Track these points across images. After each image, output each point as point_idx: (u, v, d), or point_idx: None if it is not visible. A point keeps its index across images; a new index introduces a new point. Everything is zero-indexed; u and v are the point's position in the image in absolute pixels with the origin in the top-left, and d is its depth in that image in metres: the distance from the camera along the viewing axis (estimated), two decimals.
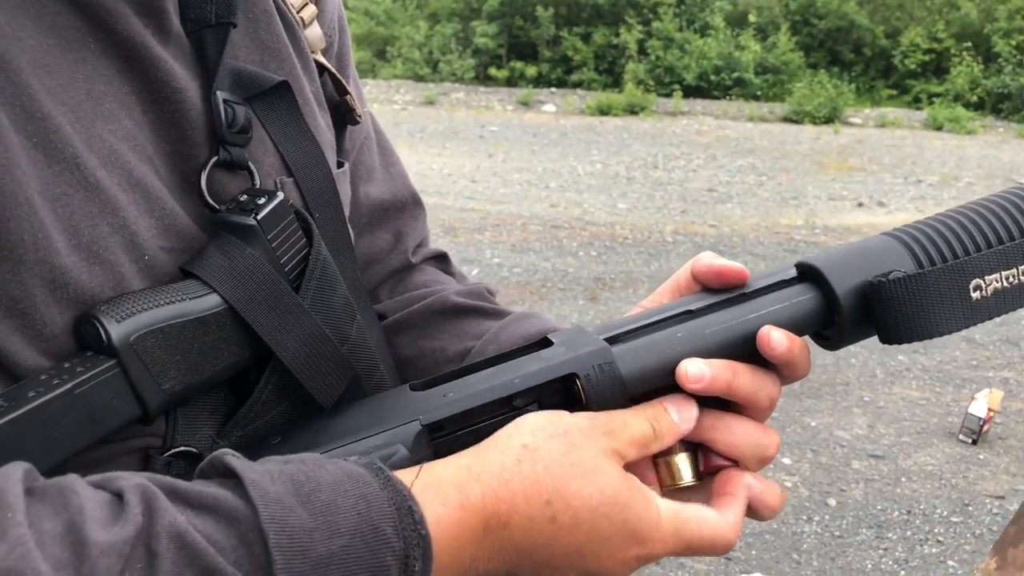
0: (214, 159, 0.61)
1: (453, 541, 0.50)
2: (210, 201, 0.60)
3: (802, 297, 0.61)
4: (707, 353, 0.59)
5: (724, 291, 0.62)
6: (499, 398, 0.58)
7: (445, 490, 0.51)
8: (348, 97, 0.77)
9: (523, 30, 19.30)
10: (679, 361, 0.59)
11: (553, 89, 17.59)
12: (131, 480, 0.44)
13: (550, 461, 0.53)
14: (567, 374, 0.58)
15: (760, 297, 0.61)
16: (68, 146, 0.52)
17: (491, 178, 9.31)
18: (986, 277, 0.59)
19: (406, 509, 0.47)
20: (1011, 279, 0.59)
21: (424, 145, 11.11)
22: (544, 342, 0.62)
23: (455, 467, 0.53)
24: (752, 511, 0.61)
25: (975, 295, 0.59)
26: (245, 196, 0.61)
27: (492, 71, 18.89)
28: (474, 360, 0.71)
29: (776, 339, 0.59)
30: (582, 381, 0.58)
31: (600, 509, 0.54)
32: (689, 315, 0.61)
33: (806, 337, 0.62)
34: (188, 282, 0.57)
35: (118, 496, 0.43)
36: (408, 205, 0.88)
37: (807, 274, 0.61)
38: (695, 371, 0.58)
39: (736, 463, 0.61)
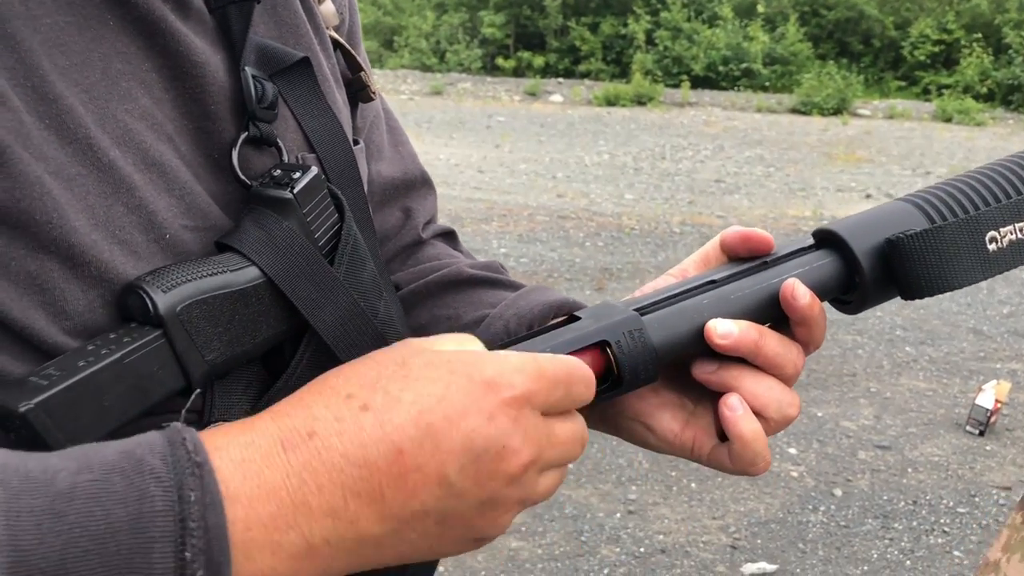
0: (244, 135, 0.60)
1: (243, 465, 0.43)
2: (242, 177, 0.60)
3: (822, 261, 0.62)
4: (733, 317, 0.60)
5: (747, 261, 0.64)
6: None
7: (230, 427, 0.46)
8: (362, 74, 0.77)
9: (530, 20, 19.25)
10: (701, 328, 0.59)
11: (560, 79, 17.55)
12: None
13: (347, 370, 0.49)
14: (599, 341, 0.58)
15: (781, 264, 0.62)
16: (80, 127, 0.52)
17: (498, 168, 9.30)
18: (1001, 229, 0.60)
19: (178, 441, 0.41)
20: None
21: (431, 135, 11.10)
22: (572, 318, 0.62)
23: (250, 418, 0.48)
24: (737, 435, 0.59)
25: (991, 247, 0.60)
26: (279, 170, 0.61)
27: (499, 61, 18.85)
28: (491, 326, 0.71)
29: (800, 291, 0.59)
30: (613, 348, 0.58)
31: (417, 372, 0.47)
32: (713, 284, 0.61)
33: (826, 305, 0.63)
34: (227, 255, 0.58)
35: None
36: (418, 184, 0.88)
37: (825, 240, 0.63)
38: (723, 329, 0.59)
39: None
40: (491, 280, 0.79)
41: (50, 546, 0.37)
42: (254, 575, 0.42)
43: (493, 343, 0.71)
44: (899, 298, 0.63)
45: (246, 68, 0.61)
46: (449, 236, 0.90)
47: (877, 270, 0.61)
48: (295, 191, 0.60)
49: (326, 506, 0.43)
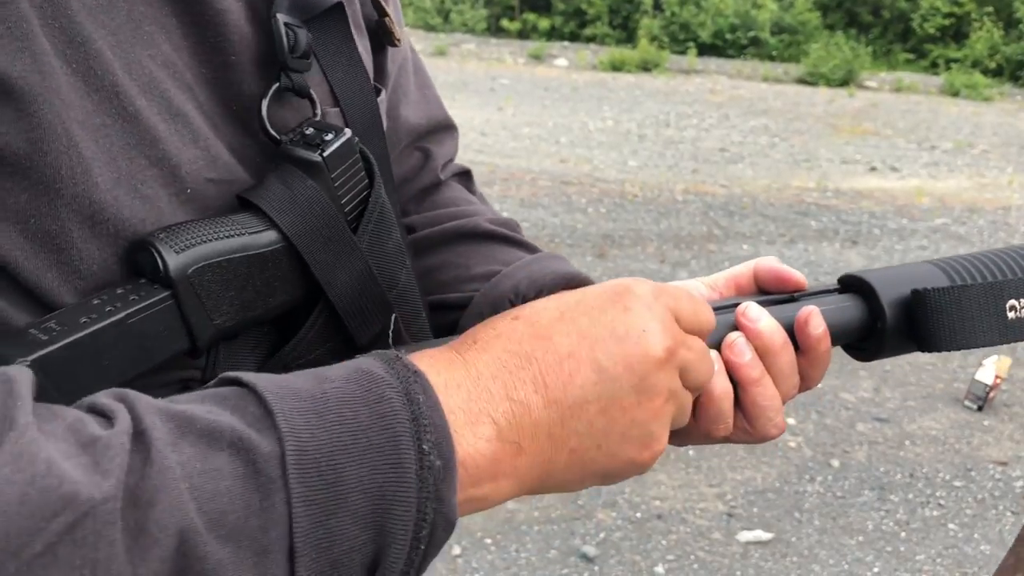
0: (276, 85, 0.57)
1: (432, 367, 0.49)
2: (271, 131, 0.57)
3: (846, 304, 0.65)
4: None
5: (776, 294, 0.66)
6: None
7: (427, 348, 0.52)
8: (387, 19, 0.73)
9: None
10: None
11: (566, 43, 17.38)
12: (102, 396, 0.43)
13: (526, 312, 0.55)
14: None
15: (807, 300, 0.65)
16: (108, 73, 0.49)
17: (501, 132, 9.23)
18: (1021, 299, 0.64)
19: (394, 356, 0.46)
20: None
21: None
22: None
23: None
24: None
25: (1011, 314, 0.64)
26: (312, 129, 0.58)
27: (504, 23, 18.64)
28: (500, 283, 0.71)
29: (815, 321, 0.62)
30: None
31: (573, 296, 0.54)
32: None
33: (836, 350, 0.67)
34: (246, 215, 0.55)
35: (98, 410, 0.42)
36: (440, 127, 0.86)
37: (851, 286, 0.66)
38: (754, 312, 0.62)
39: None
40: (507, 238, 0.79)
41: (319, 440, 0.41)
42: (465, 460, 0.46)
43: (500, 305, 0.72)
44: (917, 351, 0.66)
45: (278, 15, 0.57)
46: (465, 176, 0.89)
47: (899, 319, 0.64)
48: (325, 154, 0.57)
49: (502, 391, 0.48)
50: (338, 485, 0.40)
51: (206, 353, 0.55)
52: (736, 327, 0.62)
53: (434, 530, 0.43)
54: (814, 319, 0.62)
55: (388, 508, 0.41)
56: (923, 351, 0.64)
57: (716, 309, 0.62)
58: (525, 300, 0.73)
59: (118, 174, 0.49)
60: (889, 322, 0.64)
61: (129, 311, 0.48)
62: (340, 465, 0.41)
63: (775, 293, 0.67)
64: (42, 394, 0.44)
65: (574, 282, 0.71)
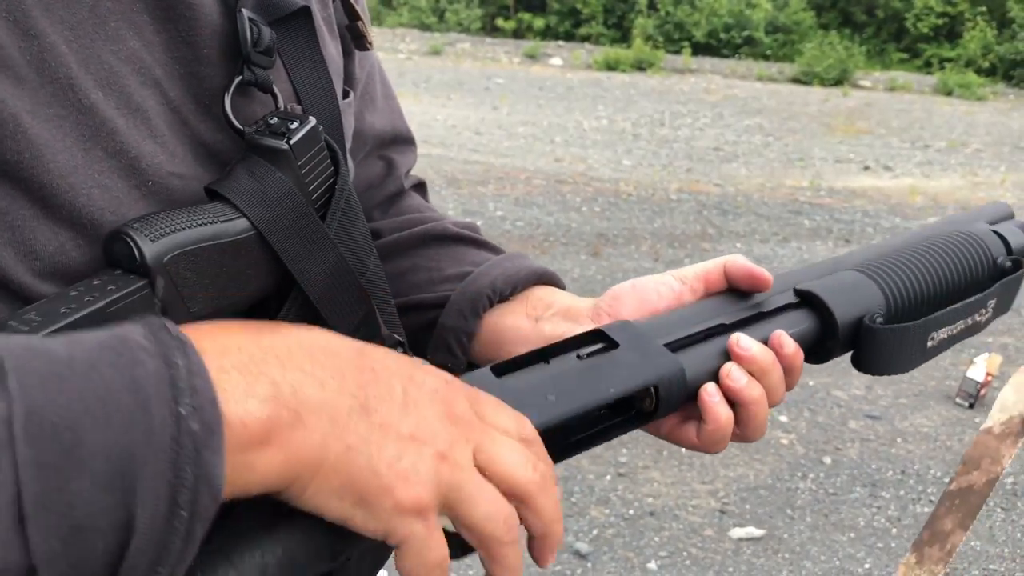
0: (239, 79, 0.58)
1: (212, 334, 0.46)
2: (235, 123, 0.58)
3: (806, 323, 0.71)
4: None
5: (744, 301, 0.71)
6: (596, 405, 0.59)
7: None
8: (360, 23, 0.74)
9: None
10: (718, 372, 0.66)
11: (560, 42, 17.38)
12: None
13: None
14: (648, 384, 0.62)
15: (776, 317, 0.71)
16: (63, 66, 0.50)
17: (496, 131, 9.24)
18: (940, 331, 0.74)
19: (159, 324, 0.44)
20: (954, 330, 0.75)
21: (429, 96, 11.00)
22: (601, 336, 0.64)
23: None
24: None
25: (930, 343, 0.73)
26: (276, 119, 0.59)
27: (499, 22, 18.64)
28: (476, 281, 0.75)
29: (787, 342, 0.69)
30: (661, 392, 0.62)
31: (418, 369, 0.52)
32: (724, 328, 0.68)
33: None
34: (216, 204, 0.55)
35: None
36: (401, 139, 0.89)
37: (808, 301, 0.72)
38: (745, 342, 0.66)
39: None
40: (474, 240, 0.82)
41: (57, 403, 0.39)
42: (232, 421, 0.43)
43: (478, 301, 0.74)
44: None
45: (243, 10, 0.58)
46: (421, 187, 0.93)
47: (847, 340, 0.72)
48: (291, 142, 0.57)
49: (295, 364, 0.47)
50: (78, 448, 0.39)
51: None
52: (728, 355, 0.66)
53: (196, 496, 0.41)
54: (786, 340, 0.68)
55: (136, 472, 0.40)
56: (858, 369, 0.73)
57: (704, 331, 0.67)
58: (502, 296, 0.75)
59: (75, 162, 0.50)
60: (840, 341, 0.71)
61: (107, 300, 0.49)
62: (81, 429, 0.39)
63: (743, 291, 0.72)
64: None
65: (545, 278, 0.75)
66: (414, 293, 0.79)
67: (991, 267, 0.78)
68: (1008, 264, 0.78)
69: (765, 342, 0.68)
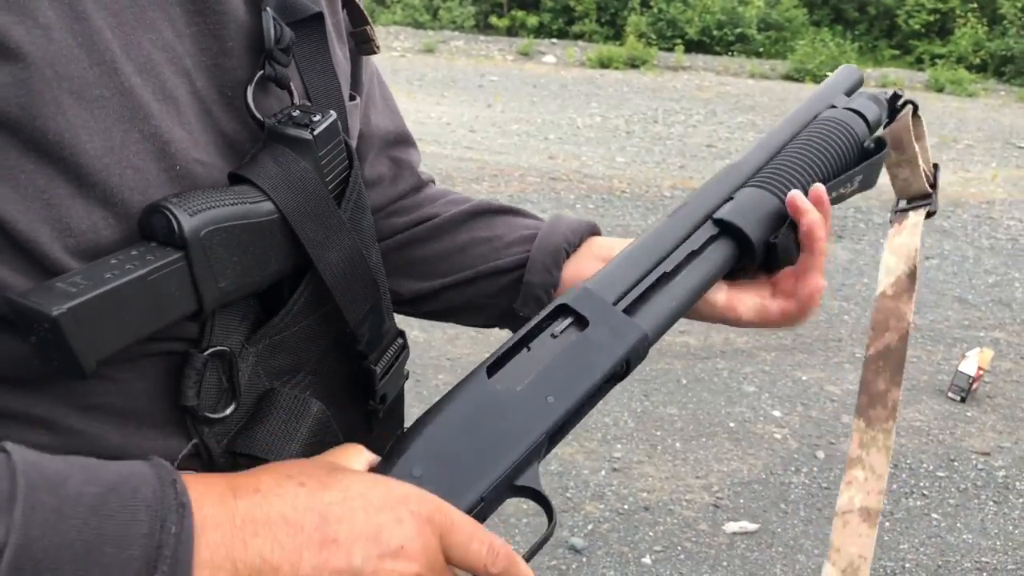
0: (260, 72, 0.61)
1: (201, 498, 0.50)
2: (256, 114, 0.60)
3: (730, 250, 0.79)
4: (695, 296, 0.77)
5: (673, 235, 0.78)
6: (587, 394, 0.66)
7: (210, 478, 0.54)
8: (368, 28, 0.78)
9: None
10: (677, 314, 0.74)
11: (554, 40, 17.37)
12: None
13: (290, 463, 0.57)
14: (623, 359, 0.68)
15: (705, 253, 0.78)
16: (108, 50, 0.52)
17: (490, 128, 9.24)
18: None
19: (169, 480, 0.48)
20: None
21: (423, 93, 11.00)
22: (566, 310, 0.70)
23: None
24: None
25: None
26: (298, 111, 0.62)
27: (493, 20, 18.63)
28: (548, 240, 0.84)
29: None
30: (632, 362, 0.69)
31: (348, 473, 0.57)
32: (666, 277, 0.75)
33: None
34: (243, 187, 0.58)
35: None
36: (404, 139, 0.93)
37: (726, 229, 0.79)
38: (804, 201, 0.77)
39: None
40: (514, 210, 0.91)
41: (50, 541, 0.43)
42: None
43: (558, 255, 0.84)
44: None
45: (268, 8, 0.61)
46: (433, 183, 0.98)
47: (760, 259, 0.80)
48: (315, 132, 0.61)
49: (256, 549, 0.50)
50: None
51: (203, 321, 0.58)
52: (792, 211, 0.77)
53: None
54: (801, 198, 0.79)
55: None
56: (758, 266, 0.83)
57: (644, 294, 0.72)
58: (576, 247, 0.85)
59: (111, 143, 0.52)
60: (756, 262, 0.80)
61: (148, 268, 0.51)
62: (61, 569, 0.42)
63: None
64: (73, 342, 0.48)
65: (597, 229, 0.87)
66: (481, 263, 0.86)
67: (858, 150, 0.86)
68: (872, 146, 0.87)
69: (703, 279, 0.76)
